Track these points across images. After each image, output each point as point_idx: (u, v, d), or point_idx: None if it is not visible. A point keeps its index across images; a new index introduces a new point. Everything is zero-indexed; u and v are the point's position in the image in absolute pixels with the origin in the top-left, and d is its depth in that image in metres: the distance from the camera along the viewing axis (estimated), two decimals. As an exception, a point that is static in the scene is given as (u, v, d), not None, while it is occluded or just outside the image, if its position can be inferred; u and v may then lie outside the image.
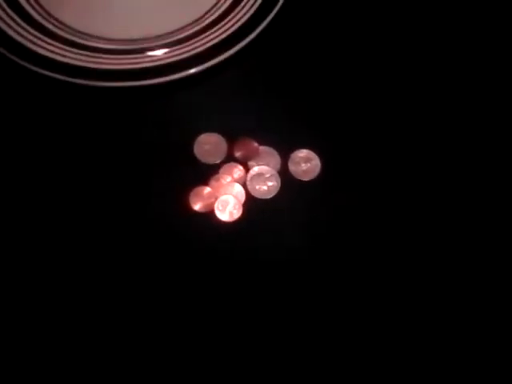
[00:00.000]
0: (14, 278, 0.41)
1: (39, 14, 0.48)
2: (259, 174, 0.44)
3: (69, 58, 0.46)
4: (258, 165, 0.44)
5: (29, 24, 0.47)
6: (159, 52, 0.47)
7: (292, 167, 0.44)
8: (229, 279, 0.41)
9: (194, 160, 0.44)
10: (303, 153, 0.44)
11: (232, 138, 0.45)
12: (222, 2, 0.50)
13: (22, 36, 0.47)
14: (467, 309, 0.41)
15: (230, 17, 0.48)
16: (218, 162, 0.44)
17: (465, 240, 0.43)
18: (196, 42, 0.47)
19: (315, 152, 0.44)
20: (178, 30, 0.49)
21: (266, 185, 0.44)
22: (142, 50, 0.48)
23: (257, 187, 0.44)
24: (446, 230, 0.43)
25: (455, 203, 0.44)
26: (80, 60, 0.46)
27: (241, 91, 0.47)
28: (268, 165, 0.44)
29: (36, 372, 0.38)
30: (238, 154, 0.45)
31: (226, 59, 0.46)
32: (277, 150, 0.45)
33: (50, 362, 0.39)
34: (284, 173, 0.44)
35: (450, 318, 0.40)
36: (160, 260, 0.41)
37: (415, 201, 0.44)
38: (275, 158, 0.44)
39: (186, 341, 0.39)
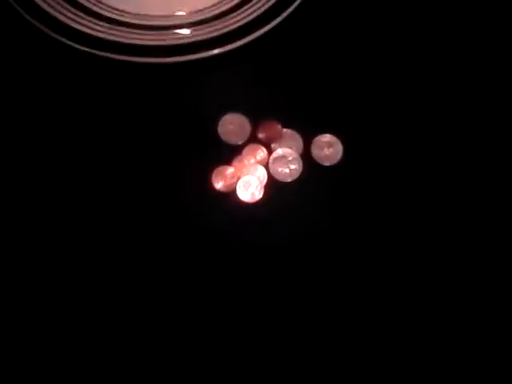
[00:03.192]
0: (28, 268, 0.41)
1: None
2: (282, 157, 0.44)
3: (100, 32, 0.46)
4: (281, 147, 0.44)
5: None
6: (186, 30, 0.47)
7: (314, 151, 0.44)
8: (247, 259, 0.42)
9: (217, 140, 0.45)
10: (326, 137, 0.45)
11: (256, 120, 0.45)
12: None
13: (54, 9, 0.47)
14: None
15: (257, -1, 0.48)
16: (241, 142, 0.45)
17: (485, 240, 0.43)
18: (223, 22, 0.47)
19: (338, 137, 0.45)
20: (204, 8, 0.49)
21: (288, 167, 0.44)
22: (169, 27, 0.48)
23: (279, 170, 0.44)
24: (469, 220, 0.43)
25: (479, 194, 0.44)
26: (108, 34, 0.46)
27: (267, 74, 0.47)
28: (291, 148, 0.44)
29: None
30: (261, 136, 0.45)
31: (252, 41, 0.46)
32: (300, 134, 0.45)
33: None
34: (306, 156, 0.44)
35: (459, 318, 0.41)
36: (180, 237, 0.42)
37: (437, 187, 0.44)
38: (298, 142, 0.45)
39: (198, 321, 0.40)
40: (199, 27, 0.47)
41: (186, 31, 0.47)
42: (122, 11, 0.48)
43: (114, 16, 0.47)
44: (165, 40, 0.47)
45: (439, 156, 0.45)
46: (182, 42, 0.47)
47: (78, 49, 0.46)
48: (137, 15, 0.48)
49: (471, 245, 0.43)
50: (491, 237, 0.43)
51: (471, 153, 0.45)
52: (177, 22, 0.48)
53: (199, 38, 0.47)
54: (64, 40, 0.46)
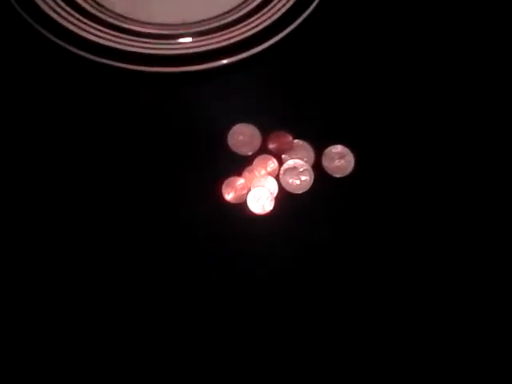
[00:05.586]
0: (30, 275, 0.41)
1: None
2: (293, 168, 0.44)
3: (108, 40, 0.46)
4: (292, 158, 0.44)
5: (69, 5, 0.47)
6: (196, 40, 0.47)
7: (325, 162, 0.44)
8: (258, 270, 0.41)
9: (227, 150, 0.44)
10: (338, 148, 0.44)
11: (267, 131, 0.45)
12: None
13: (60, 16, 0.47)
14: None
15: (268, 7, 0.48)
16: (250, 153, 0.44)
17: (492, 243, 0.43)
18: (233, 31, 0.47)
19: (349, 148, 0.44)
20: (214, 17, 0.48)
21: (299, 179, 0.44)
22: (178, 36, 0.47)
23: (290, 181, 0.44)
24: (480, 229, 0.43)
25: (495, 210, 0.44)
26: (117, 42, 0.46)
27: (278, 84, 0.47)
28: (302, 159, 0.44)
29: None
30: (271, 147, 0.44)
31: (263, 50, 0.46)
32: (311, 145, 0.44)
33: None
34: (317, 168, 0.44)
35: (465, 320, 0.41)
36: (189, 248, 0.41)
37: (450, 196, 0.44)
38: (309, 153, 0.44)
39: (205, 332, 0.40)
40: (209, 36, 0.47)
41: (195, 40, 0.47)
42: (130, 19, 0.48)
43: (122, 24, 0.47)
44: (175, 49, 0.47)
45: (452, 166, 0.45)
46: (192, 51, 0.46)
47: (87, 58, 0.45)
48: (147, 24, 0.48)
49: (481, 260, 0.42)
50: (498, 252, 0.43)
51: (488, 167, 0.45)
52: (186, 31, 0.48)
53: (209, 48, 0.46)
54: (72, 48, 0.46)
